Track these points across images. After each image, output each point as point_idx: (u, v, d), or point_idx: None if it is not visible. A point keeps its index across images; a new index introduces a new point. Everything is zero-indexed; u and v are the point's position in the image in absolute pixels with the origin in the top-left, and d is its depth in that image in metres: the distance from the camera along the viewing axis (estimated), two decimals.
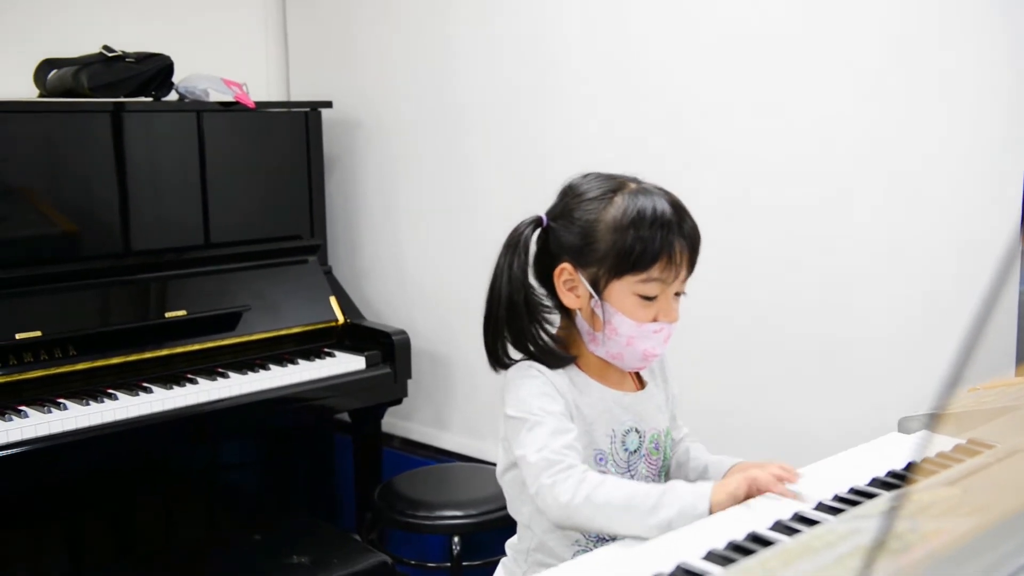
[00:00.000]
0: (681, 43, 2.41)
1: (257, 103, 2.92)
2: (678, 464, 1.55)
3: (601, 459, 1.42)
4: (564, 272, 1.40)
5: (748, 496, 1.26)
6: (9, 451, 2.13)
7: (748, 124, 2.32)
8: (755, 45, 2.28)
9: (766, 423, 2.34)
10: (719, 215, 2.34)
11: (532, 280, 1.45)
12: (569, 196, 1.42)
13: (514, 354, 1.45)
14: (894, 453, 1.44)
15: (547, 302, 1.45)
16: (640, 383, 1.51)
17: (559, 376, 1.40)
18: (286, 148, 3.03)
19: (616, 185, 1.39)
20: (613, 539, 1.40)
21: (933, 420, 1.44)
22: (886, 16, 2.08)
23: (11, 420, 2.17)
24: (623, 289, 1.36)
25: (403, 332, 2.87)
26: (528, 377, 1.39)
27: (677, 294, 1.40)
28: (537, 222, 1.44)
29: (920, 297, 2.08)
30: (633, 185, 1.40)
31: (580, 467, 1.30)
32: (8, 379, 2.29)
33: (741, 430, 2.34)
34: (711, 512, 1.23)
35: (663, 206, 1.36)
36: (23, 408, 2.23)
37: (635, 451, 1.45)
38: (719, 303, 2.37)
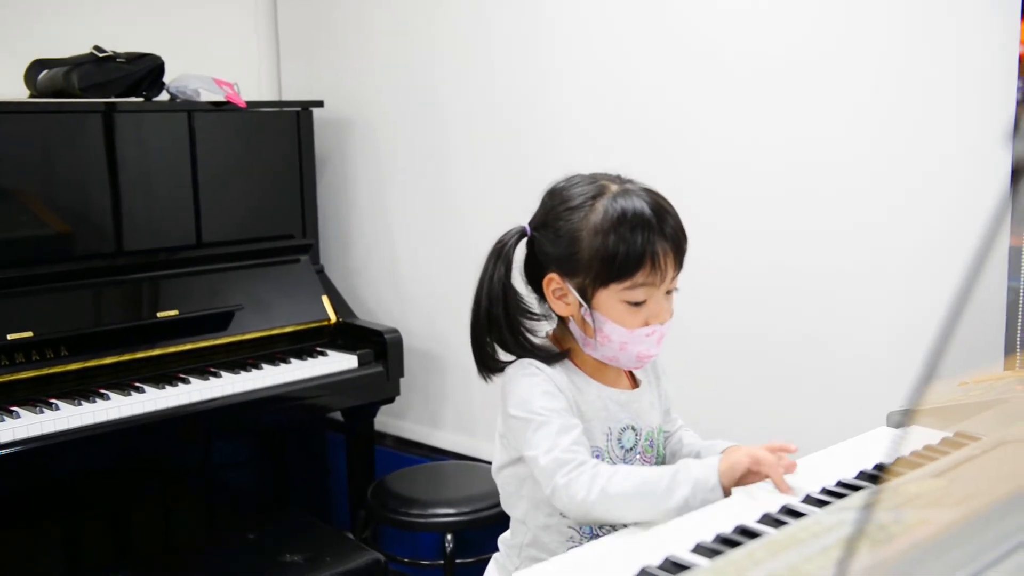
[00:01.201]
0: (672, 45, 2.41)
1: (248, 103, 2.92)
2: (672, 453, 1.56)
3: (598, 457, 1.42)
4: (552, 282, 1.40)
5: (749, 470, 1.28)
6: (1, 452, 2.13)
7: (736, 128, 2.32)
8: (747, 50, 2.29)
9: (758, 420, 2.35)
10: (709, 216, 2.35)
11: (524, 287, 1.45)
12: (551, 204, 1.41)
13: (506, 356, 1.45)
14: (881, 447, 1.45)
15: (537, 310, 1.46)
16: (634, 381, 1.51)
17: (558, 373, 1.41)
18: (278, 148, 3.04)
19: (597, 190, 1.38)
20: (608, 534, 1.41)
21: (909, 414, 1.45)
22: (880, 19, 2.09)
23: (3, 420, 2.17)
24: (610, 297, 1.36)
25: (395, 331, 2.88)
26: (528, 375, 1.40)
27: (668, 292, 1.39)
28: (521, 233, 1.44)
29: (911, 294, 2.09)
30: (615, 187, 1.38)
31: (591, 462, 1.31)
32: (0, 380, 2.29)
33: (733, 427, 2.35)
34: (722, 484, 1.26)
35: (642, 208, 1.34)
36: (15, 408, 2.23)
37: (631, 448, 1.45)
38: (710, 302, 2.38)
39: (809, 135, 2.21)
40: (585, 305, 1.38)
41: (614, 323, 1.36)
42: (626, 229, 1.33)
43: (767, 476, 1.29)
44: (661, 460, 1.53)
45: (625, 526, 1.30)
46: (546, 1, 2.66)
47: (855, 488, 1.26)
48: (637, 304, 1.36)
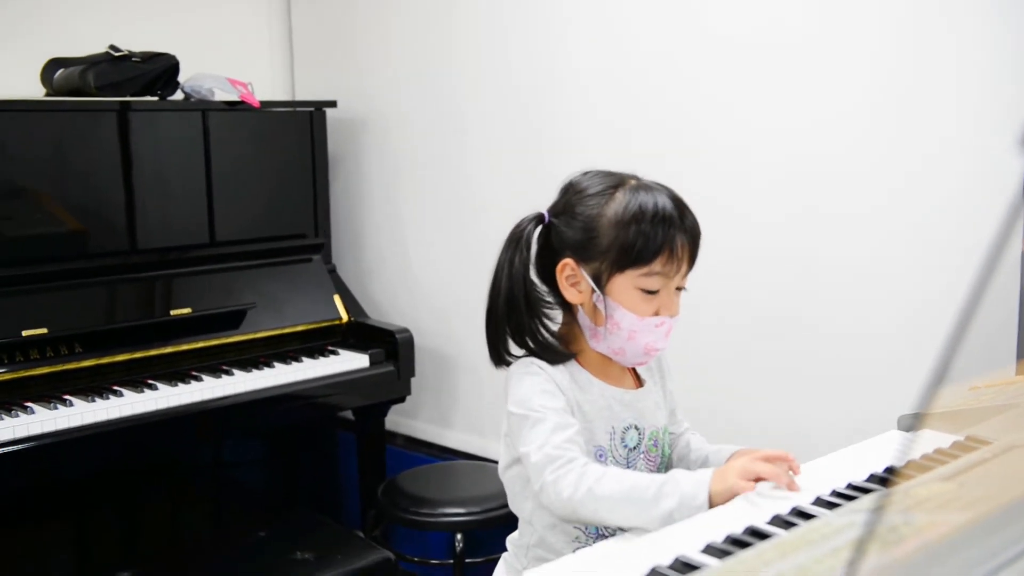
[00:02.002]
0: (684, 40, 2.42)
1: (262, 102, 2.94)
2: (679, 457, 1.57)
3: (601, 455, 1.43)
4: (566, 267, 1.41)
5: (745, 488, 1.27)
6: (15, 447, 2.15)
7: (747, 123, 2.32)
8: (757, 44, 2.29)
9: (767, 422, 2.35)
10: (720, 214, 2.35)
11: (534, 277, 1.46)
12: (571, 193, 1.44)
13: (515, 350, 1.46)
14: (892, 450, 1.45)
15: (549, 299, 1.47)
16: (639, 381, 1.52)
17: (560, 372, 1.42)
18: (291, 147, 3.05)
19: (617, 181, 1.41)
20: (614, 534, 1.42)
21: (920, 418, 1.45)
22: (887, 15, 2.09)
23: (17, 416, 2.19)
24: (625, 283, 1.37)
25: (407, 330, 2.89)
26: (529, 374, 1.41)
27: (678, 289, 1.41)
28: (539, 219, 1.45)
29: (922, 294, 2.09)
30: (633, 181, 1.42)
31: (581, 460, 1.31)
32: (15, 376, 2.31)
33: (742, 429, 2.35)
34: (710, 501, 1.24)
35: (664, 201, 1.37)
36: (29, 404, 2.25)
37: (634, 448, 1.46)
38: (720, 301, 2.38)
39: (824, 136, 2.21)
40: (598, 291, 1.39)
41: (626, 310, 1.38)
42: (648, 218, 1.35)
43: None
44: (666, 460, 1.53)
45: (621, 530, 1.30)
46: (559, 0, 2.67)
47: (866, 491, 1.26)
48: (650, 293, 1.37)
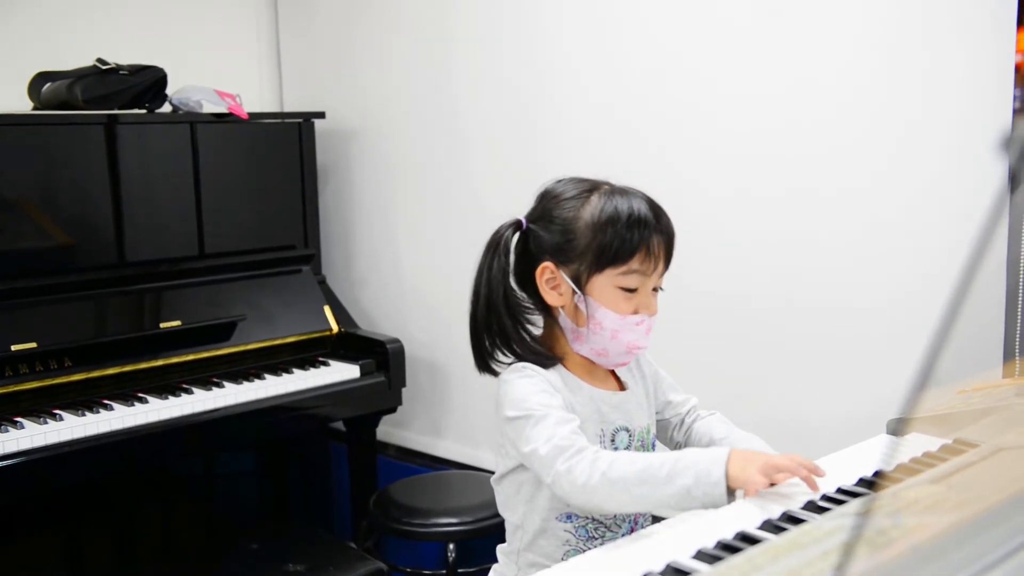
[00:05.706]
0: (676, 43, 2.43)
1: (250, 114, 2.94)
2: (708, 445, 1.54)
3: None
4: (546, 271, 1.43)
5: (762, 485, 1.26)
6: (5, 462, 2.14)
7: (742, 121, 2.33)
8: (749, 44, 2.30)
9: (760, 420, 2.34)
10: (715, 211, 2.36)
11: (513, 284, 1.48)
12: (547, 199, 1.47)
13: (500, 357, 1.48)
14: (881, 454, 1.46)
15: (528, 304, 1.49)
16: (620, 384, 1.53)
17: (552, 375, 1.44)
18: (280, 158, 3.05)
19: (591, 186, 1.45)
20: (604, 536, 1.42)
21: (908, 422, 1.46)
22: (877, 27, 2.11)
23: (7, 431, 2.18)
24: (605, 283, 1.40)
25: (397, 340, 2.89)
26: (525, 376, 1.42)
27: (655, 289, 1.44)
28: (516, 225, 1.47)
29: (915, 295, 2.09)
30: (607, 186, 1.45)
31: (591, 448, 1.32)
32: (4, 390, 2.30)
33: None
34: (727, 481, 1.24)
35: (639, 203, 1.41)
36: (19, 419, 2.24)
37: (624, 449, 1.47)
38: (714, 299, 2.38)
39: (822, 129, 2.21)
40: (579, 292, 1.41)
41: (607, 309, 1.40)
42: (624, 220, 1.39)
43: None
44: None
45: (632, 529, 1.31)
46: (549, 9, 2.67)
47: (855, 495, 1.27)
48: (630, 291, 1.40)
